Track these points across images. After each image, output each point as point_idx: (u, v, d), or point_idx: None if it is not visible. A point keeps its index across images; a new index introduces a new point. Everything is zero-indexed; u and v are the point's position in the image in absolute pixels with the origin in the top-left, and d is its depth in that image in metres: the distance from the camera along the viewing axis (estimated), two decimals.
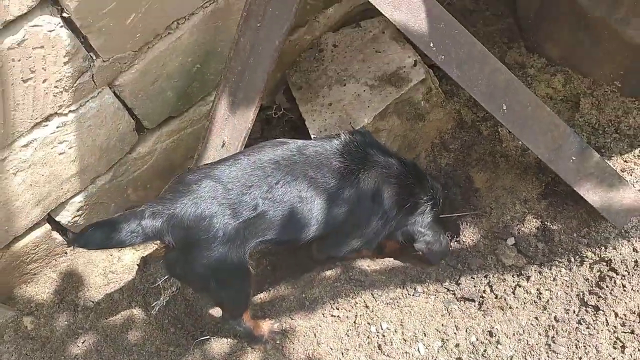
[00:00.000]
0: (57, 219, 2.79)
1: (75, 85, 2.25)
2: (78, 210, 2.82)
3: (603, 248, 2.56)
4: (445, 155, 3.26)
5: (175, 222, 2.16)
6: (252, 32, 2.35)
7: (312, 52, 3.30)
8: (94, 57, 2.27)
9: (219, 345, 2.74)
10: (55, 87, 2.19)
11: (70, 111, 2.34)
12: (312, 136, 3.03)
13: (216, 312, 2.89)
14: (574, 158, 2.48)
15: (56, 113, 2.30)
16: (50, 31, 2.05)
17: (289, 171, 2.34)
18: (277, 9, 2.29)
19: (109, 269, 3.04)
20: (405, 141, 3.17)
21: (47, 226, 2.80)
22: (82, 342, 2.79)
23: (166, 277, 2.94)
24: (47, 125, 2.33)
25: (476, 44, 2.32)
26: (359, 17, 3.37)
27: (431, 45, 2.29)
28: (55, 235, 2.88)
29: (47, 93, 2.18)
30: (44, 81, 2.15)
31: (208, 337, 2.78)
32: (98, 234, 2.12)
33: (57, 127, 2.35)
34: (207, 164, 2.36)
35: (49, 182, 2.53)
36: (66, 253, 3.03)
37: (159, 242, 2.39)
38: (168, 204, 2.18)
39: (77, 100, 2.33)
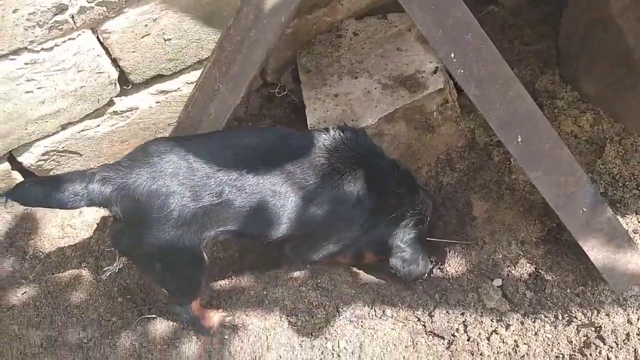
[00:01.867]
0: (19, 159, 2.59)
1: (51, 21, 2.02)
2: (43, 155, 2.62)
3: (596, 312, 2.33)
4: (449, 174, 3.01)
5: (126, 193, 1.96)
6: (257, 1, 2.10)
7: (329, 35, 3.04)
8: None
9: (164, 327, 2.55)
10: (27, 19, 1.97)
11: (42, 49, 2.12)
12: (310, 125, 2.79)
13: None
14: (584, 209, 2.22)
15: (26, 48, 2.09)
16: None
17: (265, 161, 2.12)
18: None
19: (68, 222, 2.84)
20: (408, 151, 2.92)
21: (7, 165, 2.60)
22: (23, 293, 2.61)
23: None
24: (13, 60, 2.11)
25: (503, 65, 2.05)
26: (387, 8, 3.09)
27: (452, 55, 2.03)
28: (16, 175, 2.68)
29: (17, 25, 1.95)
30: (15, 11, 1.93)
31: (155, 315, 2.58)
32: (36, 190, 1.93)
33: (25, 64, 2.14)
34: (177, 137, 2.13)
35: (11, 119, 2.33)
36: None
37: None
38: (122, 172, 1.97)
39: (52, 38, 2.11)
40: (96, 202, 1.97)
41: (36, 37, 2.07)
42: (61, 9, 2.03)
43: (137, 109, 2.68)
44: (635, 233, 2.46)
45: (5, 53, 2.08)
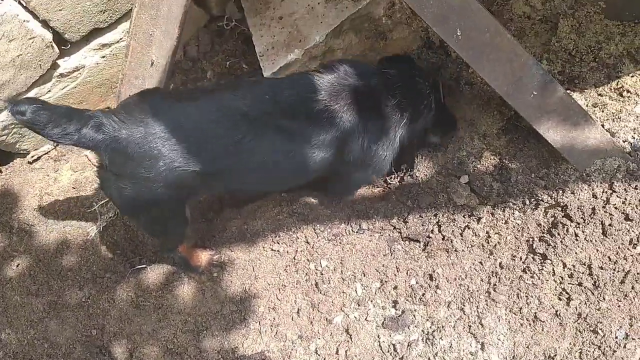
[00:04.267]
0: None
1: None
2: (3, 130, 2.64)
3: (560, 192, 2.35)
4: None
5: (117, 146, 1.97)
6: None
7: None
8: None
9: (156, 274, 2.65)
10: None
11: None
12: (259, 54, 2.74)
13: None
14: (534, 93, 2.19)
15: None
16: None
17: (259, 124, 2.09)
18: None
19: (45, 191, 2.89)
20: None
21: None
22: (17, 265, 2.70)
23: (103, 202, 2.81)
24: None
25: None
26: None
27: None
28: None
29: None
30: None
31: (145, 265, 2.68)
32: (40, 110, 1.89)
33: None
34: (171, 94, 2.14)
35: None
36: (0, 172, 2.88)
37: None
38: (117, 125, 1.96)
39: None
40: (85, 145, 1.98)
41: None
42: None
43: (84, 67, 2.65)
44: (595, 107, 2.43)
45: None
